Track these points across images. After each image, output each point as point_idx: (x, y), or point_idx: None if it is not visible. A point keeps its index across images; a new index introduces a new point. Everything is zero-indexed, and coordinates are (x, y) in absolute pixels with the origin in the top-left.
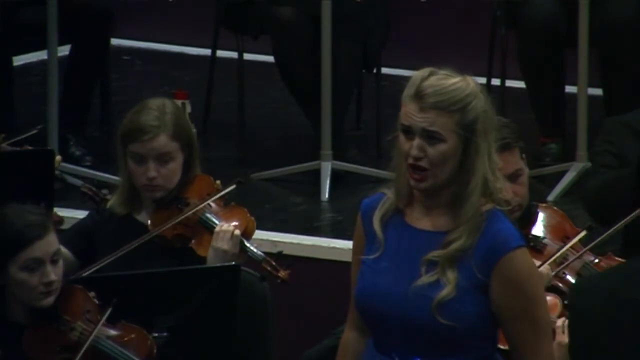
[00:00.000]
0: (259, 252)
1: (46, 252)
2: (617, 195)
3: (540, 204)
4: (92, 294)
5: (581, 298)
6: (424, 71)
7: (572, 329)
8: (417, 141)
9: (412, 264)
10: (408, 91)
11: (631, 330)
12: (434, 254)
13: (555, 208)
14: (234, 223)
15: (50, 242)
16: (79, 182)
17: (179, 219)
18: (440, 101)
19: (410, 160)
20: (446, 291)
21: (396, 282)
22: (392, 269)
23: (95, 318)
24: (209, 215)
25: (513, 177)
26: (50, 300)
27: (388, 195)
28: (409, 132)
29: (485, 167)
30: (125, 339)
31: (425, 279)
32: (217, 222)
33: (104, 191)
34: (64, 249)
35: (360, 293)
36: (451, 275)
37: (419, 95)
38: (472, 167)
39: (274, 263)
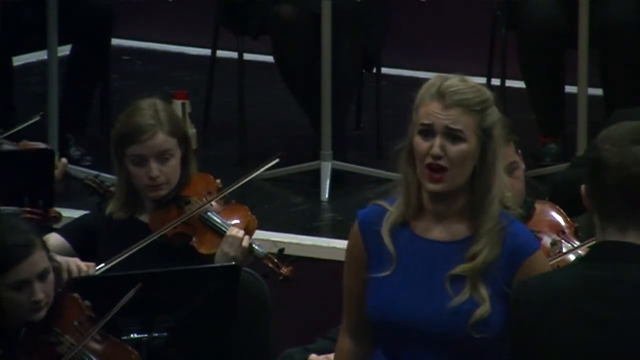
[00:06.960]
0: (261, 250)
1: (32, 272)
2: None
3: (537, 199)
4: (86, 302)
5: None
6: (441, 75)
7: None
8: (438, 140)
9: (429, 276)
10: (428, 91)
11: (560, 329)
12: (461, 269)
13: (551, 203)
14: (236, 221)
15: (36, 261)
16: (81, 175)
17: (186, 218)
18: (464, 99)
19: (429, 160)
20: (483, 309)
21: (417, 297)
22: (408, 283)
23: (85, 330)
24: (210, 214)
25: (508, 171)
26: (41, 314)
27: (391, 208)
28: (429, 131)
29: (502, 174)
30: (109, 354)
31: (459, 298)
32: (218, 220)
33: (108, 182)
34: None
35: (376, 308)
36: (484, 292)
37: (442, 94)
38: (492, 173)
39: (276, 260)
